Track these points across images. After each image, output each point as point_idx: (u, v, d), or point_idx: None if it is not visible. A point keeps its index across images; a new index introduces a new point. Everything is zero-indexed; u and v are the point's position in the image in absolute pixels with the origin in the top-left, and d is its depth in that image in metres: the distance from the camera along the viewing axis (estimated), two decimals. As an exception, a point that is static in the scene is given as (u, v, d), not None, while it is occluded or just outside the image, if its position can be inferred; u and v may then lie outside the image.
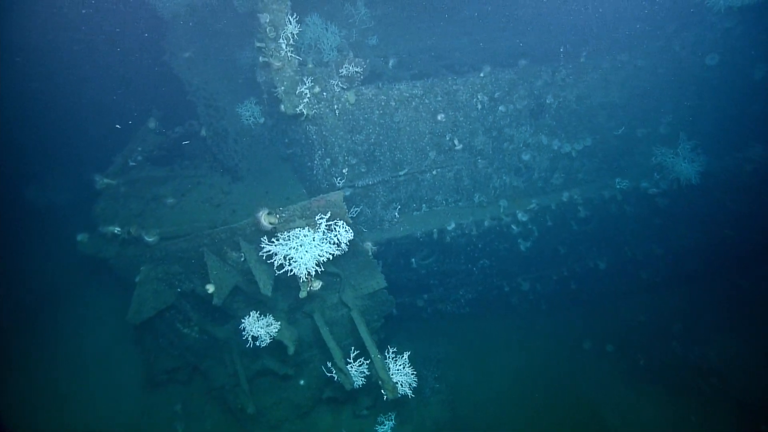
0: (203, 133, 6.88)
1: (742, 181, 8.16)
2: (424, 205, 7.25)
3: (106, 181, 6.26)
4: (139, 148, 6.68)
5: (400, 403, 6.84)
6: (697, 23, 6.89)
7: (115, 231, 6.07)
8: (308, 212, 5.28)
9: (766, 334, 7.89)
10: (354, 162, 6.58)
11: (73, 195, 9.38)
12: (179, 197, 6.68)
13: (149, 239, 5.79)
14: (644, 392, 7.44)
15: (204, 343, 6.97)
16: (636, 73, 7.02)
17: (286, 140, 7.39)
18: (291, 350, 5.62)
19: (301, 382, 6.73)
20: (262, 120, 7.46)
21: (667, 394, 7.38)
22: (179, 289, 6.26)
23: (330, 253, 5.15)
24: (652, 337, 8.20)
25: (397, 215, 7.02)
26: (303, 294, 5.25)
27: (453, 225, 7.02)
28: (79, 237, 6.63)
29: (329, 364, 5.84)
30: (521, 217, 7.14)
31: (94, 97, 8.59)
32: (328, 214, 5.22)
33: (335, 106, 6.18)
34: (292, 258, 5.04)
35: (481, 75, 6.53)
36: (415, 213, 7.24)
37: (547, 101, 6.85)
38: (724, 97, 7.56)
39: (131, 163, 6.71)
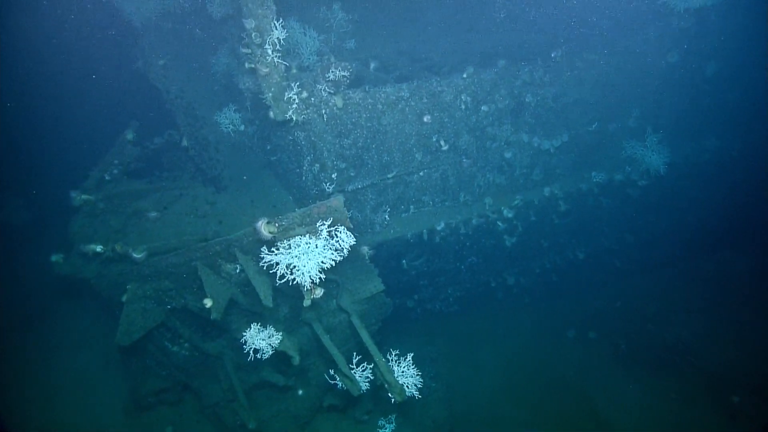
0: (184, 143, 6.64)
1: (700, 170, 8.76)
2: (411, 206, 7.30)
3: (84, 197, 5.91)
4: (116, 161, 6.36)
5: (400, 405, 6.85)
6: (661, 23, 7.32)
7: (97, 249, 5.76)
8: (308, 219, 5.21)
9: (731, 312, 8.49)
10: (343, 166, 6.53)
11: (35, 213, 8.80)
12: (162, 210, 6.42)
13: (137, 256, 5.52)
14: (628, 374, 7.82)
15: (195, 360, 6.73)
16: (606, 71, 7.37)
17: (269, 147, 7.26)
18: (296, 360, 5.52)
19: (300, 392, 6.62)
20: (242, 127, 7.29)
21: (648, 374, 7.79)
22: (169, 306, 6.01)
23: (333, 260, 5.10)
24: (629, 322, 8.63)
25: (388, 218, 7.04)
26: (307, 302, 5.17)
27: (442, 225, 7.13)
28: (54, 257, 6.24)
29: (332, 372, 5.78)
30: (507, 213, 7.34)
31: (59, 108, 8.08)
32: (330, 221, 5.17)
33: (323, 111, 6.13)
34: (295, 267, 4.95)
35: (464, 76, 6.65)
36: (403, 215, 7.28)
37: (527, 100, 7.07)
38: (683, 93, 8.07)
39: (107, 177, 6.37)
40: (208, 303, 5.24)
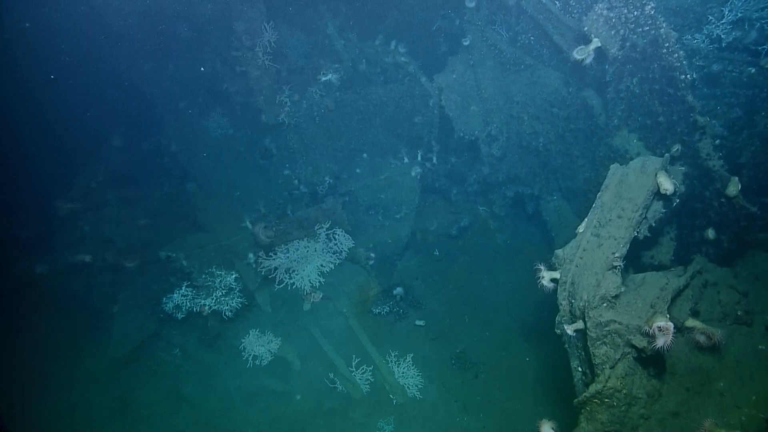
0: (173, 148, 6.52)
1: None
2: (404, 207, 7.30)
3: (69, 206, 5.76)
4: (102, 168, 6.21)
5: (399, 406, 6.83)
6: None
7: (86, 259, 5.61)
8: (306, 223, 5.17)
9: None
10: (335, 168, 6.51)
11: (18, 223, 8.48)
12: (152, 217, 6.29)
13: (129, 265, 5.40)
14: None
15: (189, 368, 6.59)
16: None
17: (259, 150, 7.18)
18: (297, 365, 5.46)
19: (298, 397, 6.54)
20: (230, 131, 7.19)
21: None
22: (162, 315, 5.88)
23: (332, 263, 5.08)
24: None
25: (381, 219, 7.03)
26: (307, 307, 5.14)
27: (435, 225, 7.15)
28: (39, 269, 6.06)
29: (332, 375, 5.75)
30: (499, 212, 7.40)
31: (42, 115, 7.78)
32: (329, 223, 5.14)
33: (315, 114, 6.10)
34: (295, 271, 4.91)
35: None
36: (397, 216, 7.28)
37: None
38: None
39: (93, 185, 6.21)
40: (205, 309, 5.15)
